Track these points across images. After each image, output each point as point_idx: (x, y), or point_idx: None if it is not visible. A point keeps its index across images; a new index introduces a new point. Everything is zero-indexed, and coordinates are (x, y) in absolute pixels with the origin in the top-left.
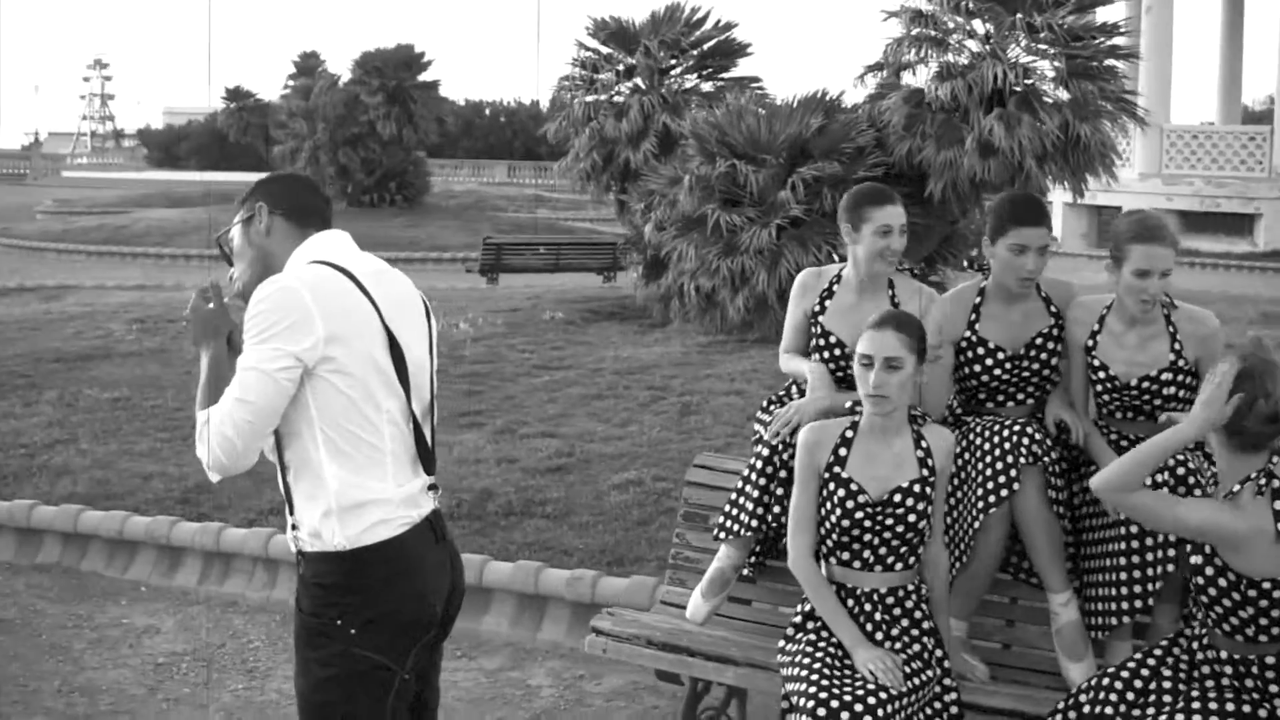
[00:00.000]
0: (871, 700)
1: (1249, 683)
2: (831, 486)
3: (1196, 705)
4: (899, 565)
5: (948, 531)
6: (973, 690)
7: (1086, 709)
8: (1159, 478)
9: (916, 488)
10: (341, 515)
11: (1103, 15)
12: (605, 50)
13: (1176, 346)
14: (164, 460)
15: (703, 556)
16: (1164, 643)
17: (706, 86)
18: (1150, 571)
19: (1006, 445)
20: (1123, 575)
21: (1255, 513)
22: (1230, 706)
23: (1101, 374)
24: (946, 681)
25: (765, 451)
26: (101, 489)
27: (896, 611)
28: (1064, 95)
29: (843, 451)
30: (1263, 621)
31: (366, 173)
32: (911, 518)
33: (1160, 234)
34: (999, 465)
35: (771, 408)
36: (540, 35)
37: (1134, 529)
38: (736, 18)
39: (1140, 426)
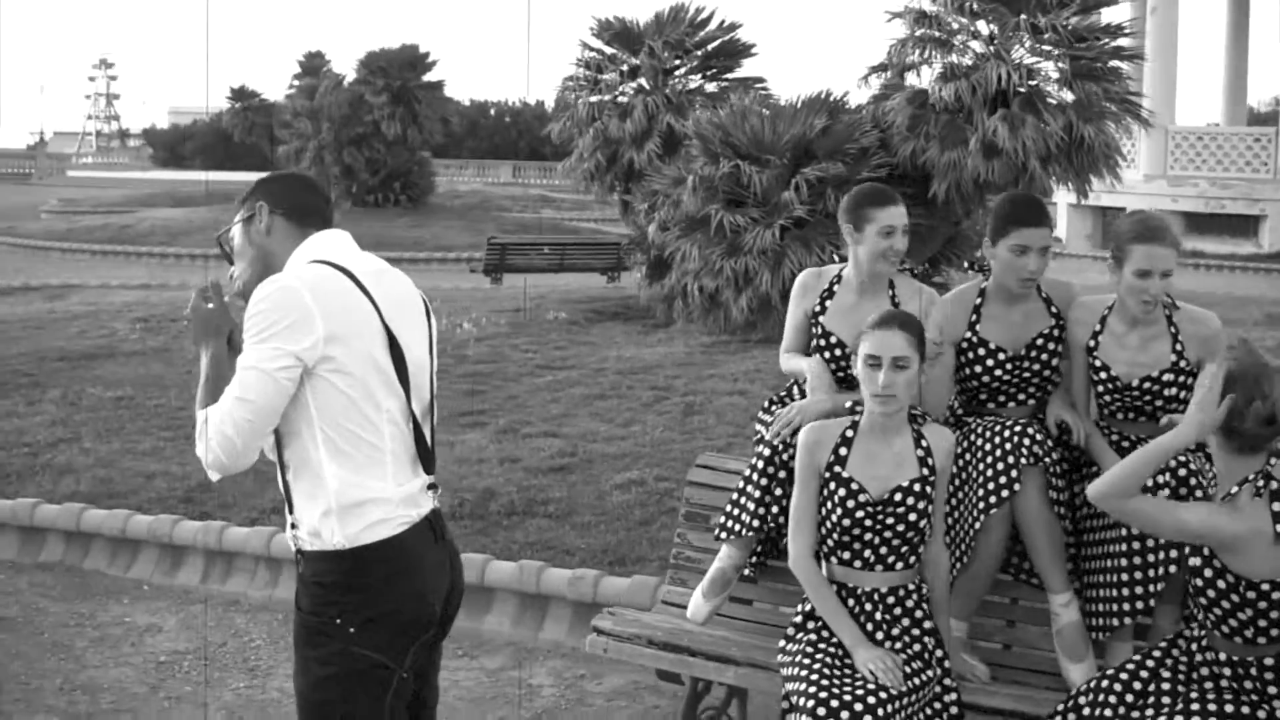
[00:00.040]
0: (871, 700)
1: (1248, 684)
2: (832, 486)
3: (1195, 707)
4: (899, 565)
5: (949, 532)
6: (973, 690)
7: (1086, 711)
8: (1160, 479)
9: (917, 487)
10: (341, 514)
11: (1107, 16)
12: (609, 51)
13: (1178, 347)
14: (167, 459)
15: (704, 556)
16: (1163, 644)
17: (711, 87)
18: (1152, 573)
19: (1007, 446)
20: (1124, 576)
21: (1253, 514)
22: (1229, 708)
23: (1103, 374)
24: (947, 682)
25: (766, 452)
26: (104, 488)
27: (897, 611)
28: (1068, 96)
29: (843, 451)
30: (1261, 623)
31: (371, 173)
32: (912, 517)
33: (1161, 234)
34: (1000, 466)
35: (773, 408)
36: (530, 36)
37: (1135, 530)
38: (741, 18)
39: (1141, 427)
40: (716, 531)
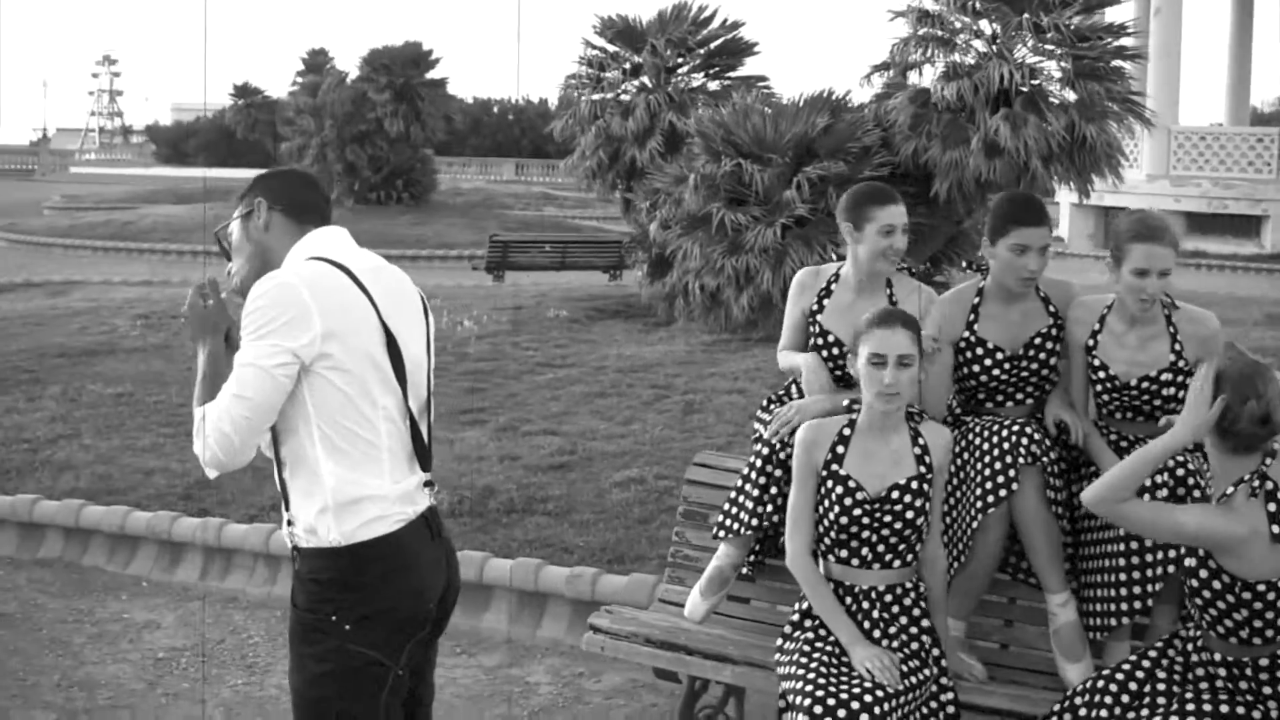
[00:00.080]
0: (868, 699)
1: (1243, 684)
2: (830, 484)
3: (1191, 707)
4: (897, 563)
5: (946, 531)
6: (970, 690)
7: (1083, 711)
8: (1159, 479)
9: (914, 484)
10: (337, 511)
11: (1110, 16)
12: (612, 49)
13: (1177, 347)
14: (166, 456)
15: (702, 555)
16: (1159, 644)
17: (713, 85)
18: (1149, 573)
19: (1005, 445)
20: (1122, 576)
21: (1249, 515)
22: (1225, 709)
23: (1102, 374)
24: (944, 680)
25: (765, 450)
26: (103, 484)
27: (895, 609)
28: (1070, 96)
29: (840, 449)
30: (1257, 624)
31: (374, 170)
32: (909, 514)
33: (1160, 233)
34: (998, 465)
35: (771, 407)
36: (520, 35)
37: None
38: (743, 17)
39: (1140, 427)
40: (714, 530)
